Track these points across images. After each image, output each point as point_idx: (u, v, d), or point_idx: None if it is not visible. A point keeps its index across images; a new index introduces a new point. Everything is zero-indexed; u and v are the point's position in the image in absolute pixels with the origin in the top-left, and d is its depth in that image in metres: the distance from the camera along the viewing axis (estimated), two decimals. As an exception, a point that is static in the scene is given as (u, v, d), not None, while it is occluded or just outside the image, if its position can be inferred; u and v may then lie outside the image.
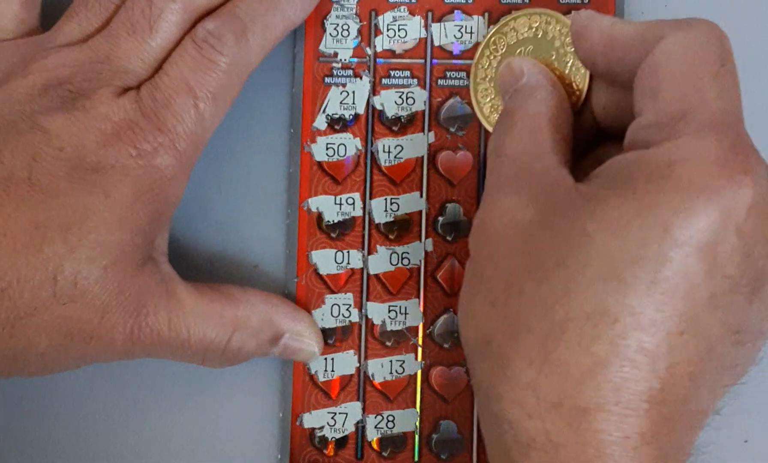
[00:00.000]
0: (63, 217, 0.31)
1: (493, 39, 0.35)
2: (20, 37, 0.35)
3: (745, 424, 0.31)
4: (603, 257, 0.28)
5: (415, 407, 0.37)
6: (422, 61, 0.37)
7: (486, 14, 0.37)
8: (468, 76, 0.37)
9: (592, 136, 0.34)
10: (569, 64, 0.34)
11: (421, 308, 0.37)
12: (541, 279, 0.29)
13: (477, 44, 0.36)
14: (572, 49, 0.33)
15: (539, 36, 0.35)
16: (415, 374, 0.37)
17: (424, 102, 0.37)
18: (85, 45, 0.33)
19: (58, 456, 0.38)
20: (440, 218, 0.37)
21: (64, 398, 0.38)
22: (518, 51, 0.35)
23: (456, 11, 0.37)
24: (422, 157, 0.37)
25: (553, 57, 0.34)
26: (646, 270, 0.27)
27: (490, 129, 0.35)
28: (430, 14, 0.37)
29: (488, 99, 0.35)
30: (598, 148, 0.34)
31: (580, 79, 0.34)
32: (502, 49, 0.35)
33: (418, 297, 0.37)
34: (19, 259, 0.30)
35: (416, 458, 0.37)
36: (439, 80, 0.37)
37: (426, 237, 0.37)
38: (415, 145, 0.37)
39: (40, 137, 0.31)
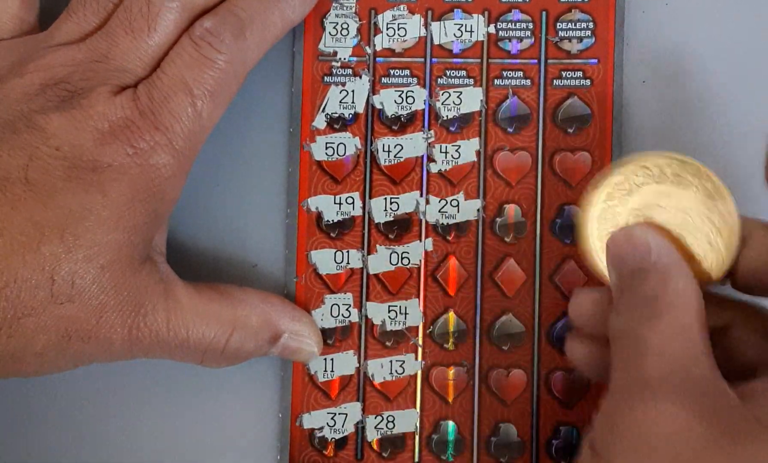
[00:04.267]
0: (60, 216, 0.31)
1: (623, 174, 0.31)
2: (18, 36, 0.35)
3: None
4: None
5: (415, 407, 0.37)
6: (422, 60, 0.37)
7: (486, 12, 0.37)
8: (468, 75, 0.37)
9: None
10: (710, 239, 0.30)
11: (421, 308, 0.37)
12: None
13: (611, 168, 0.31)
14: (705, 225, 0.30)
15: (672, 196, 0.30)
16: (415, 374, 0.37)
17: (424, 101, 0.37)
18: (83, 44, 0.33)
19: (56, 456, 0.38)
20: (440, 218, 0.37)
21: (63, 397, 0.38)
22: (648, 209, 0.31)
23: (456, 10, 0.37)
24: (422, 156, 0.37)
25: (683, 225, 0.30)
26: None
27: (603, 269, 0.31)
28: (429, 13, 0.37)
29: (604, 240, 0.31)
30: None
31: (715, 260, 0.30)
32: (636, 190, 0.31)
33: (418, 297, 0.37)
34: (16, 259, 0.30)
35: (416, 459, 0.37)
36: (438, 79, 0.37)
37: (426, 237, 0.37)
38: (414, 145, 0.37)
39: (36, 137, 0.31)
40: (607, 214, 0.31)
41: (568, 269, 0.36)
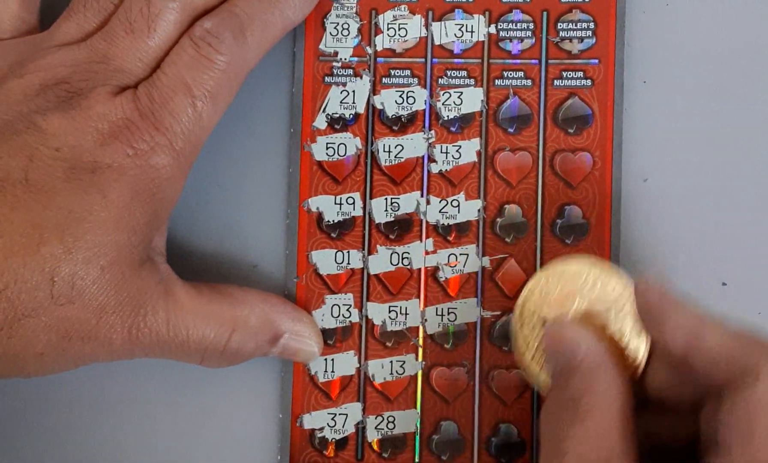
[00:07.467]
0: (60, 217, 0.31)
1: (544, 277, 0.33)
2: (19, 37, 0.35)
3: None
4: None
5: (415, 407, 0.37)
6: (422, 60, 0.37)
7: (486, 13, 0.37)
8: (468, 75, 0.37)
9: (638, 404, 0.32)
10: (627, 331, 0.32)
11: (422, 308, 0.37)
12: None
13: (527, 288, 0.33)
14: (632, 315, 0.32)
15: (597, 289, 0.32)
16: (416, 374, 0.37)
17: (425, 101, 0.37)
18: (83, 44, 0.33)
19: (56, 456, 0.38)
20: (441, 218, 0.37)
21: (63, 397, 0.38)
22: (573, 304, 0.32)
23: (456, 10, 0.37)
24: (423, 156, 0.37)
25: (611, 317, 0.32)
26: None
27: (539, 387, 0.33)
28: (430, 13, 0.37)
29: (535, 347, 0.33)
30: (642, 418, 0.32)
31: (637, 348, 0.32)
32: (554, 293, 0.33)
33: (419, 297, 0.37)
34: (16, 260, 0.30)
35: (417, 459, 0.37)
36: (439, 79, 0.37)
37: (426, 237, 0.37)
38: (415, 145, 0.37)
39: (36, 137, 0.31)
40: (532, 320, 0.33)
41: (568, 269, 0.36)
